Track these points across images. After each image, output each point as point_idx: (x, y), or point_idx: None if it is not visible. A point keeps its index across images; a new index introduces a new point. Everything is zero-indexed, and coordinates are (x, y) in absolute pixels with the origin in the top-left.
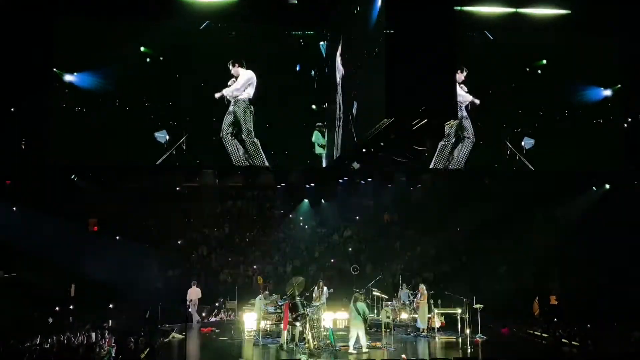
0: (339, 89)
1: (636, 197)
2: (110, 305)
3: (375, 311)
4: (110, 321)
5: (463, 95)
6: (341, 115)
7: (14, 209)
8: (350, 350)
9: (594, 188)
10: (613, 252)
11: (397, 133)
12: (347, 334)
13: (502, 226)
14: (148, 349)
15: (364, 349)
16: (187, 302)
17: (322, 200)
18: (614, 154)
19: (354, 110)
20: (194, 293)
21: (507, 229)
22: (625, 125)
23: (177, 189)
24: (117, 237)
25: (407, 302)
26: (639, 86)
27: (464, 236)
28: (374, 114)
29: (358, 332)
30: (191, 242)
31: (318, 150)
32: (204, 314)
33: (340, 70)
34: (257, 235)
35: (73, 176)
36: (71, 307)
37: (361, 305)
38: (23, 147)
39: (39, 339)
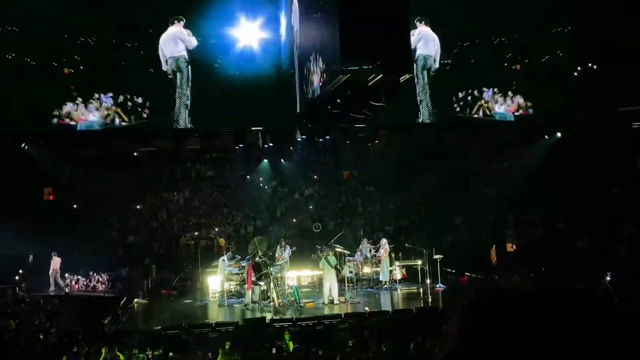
0: (297, 40)
1: (587, 145)
2: (66, 275)
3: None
4: (67, 288)
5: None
6: (297, 68)
7: None
8: (326, 301)
9: (546, 137)
10: (565, 199)
11: (353, 89)
12: (311, 291)
13: (458, 178)
14: (111, 316)
15: (335, 301)
16: (50, 272)
17: (282, 160)
18: (565, 102)
19: (311, 66)
20: (56, 262)
21: (463, 181)
22: (576, 73)
23: (135, 154)
24: (75, 206)
25: (369, 256)
26: (589, 34)
27: (422, 189)
28: (330, 70)
29: (331, 284)
30: (150, 207)
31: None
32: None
33: (297, 16)
34: (217, 197)
35: (23, 144)
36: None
37: (332, 259)
38: None
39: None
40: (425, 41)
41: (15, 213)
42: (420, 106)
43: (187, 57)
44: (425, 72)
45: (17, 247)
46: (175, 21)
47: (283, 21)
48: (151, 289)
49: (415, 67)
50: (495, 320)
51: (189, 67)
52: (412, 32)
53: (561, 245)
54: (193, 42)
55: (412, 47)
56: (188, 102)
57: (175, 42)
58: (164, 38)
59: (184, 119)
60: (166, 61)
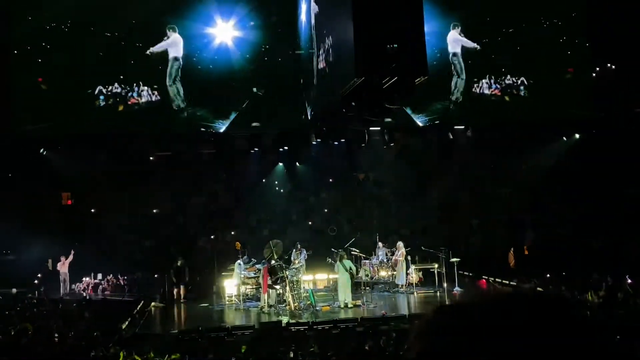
0: (314, 34)
1: (604, 146)
2: (84, 278)
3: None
4: (84, 293)
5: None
6: (317, 64)
7: None
8: (341, 305)
9: (564, 138)
10: (583, 200)
11: (368, 92)
12: (327, 295)
13: (475, 180)
14: (129, 319)
15: (350, 304)
16: (62, 277)
17: (297, 163)
18: (583, 103)
19: (326, 66)
20: (65, 265)
21: (479, 183)
22: (594, 74)
23: (151, 158)
24: (92, 210)
25: (385, 259)
26: (607, 34)
27: (438, 192)
28: (343, 72)
29: (345, 288)
30: (166, 211)
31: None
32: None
33: (314, 10)
34: (233, 201)
35: (42, 150)
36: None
37: (347, 262)
38: None
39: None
40: (454, 42)
41: (34, 218)
42: (455, 97)
43: (180, 56)
44: (459, 67)
45: (36, 252)
46: (171, 30)
47: (303, 7)
48: (185, 293)
49: (452, 66)
50: (448, 337)
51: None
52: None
53: (579, 248)
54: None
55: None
56: (180, 90)
57: (177, 46)
58: (169, 41)
59: (177, 103)
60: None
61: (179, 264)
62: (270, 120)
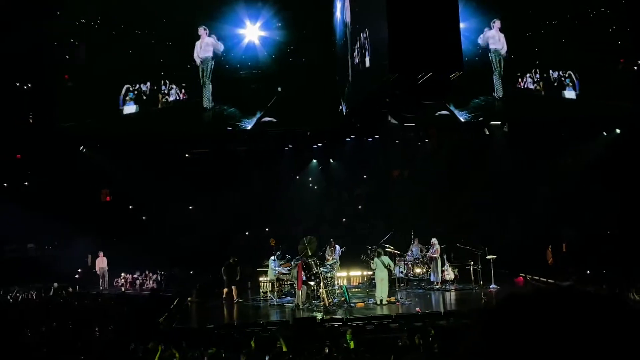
0: (348, 30)
1: None
2: (123, 274)
3: None
4: (122, 288)
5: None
6: (352, 60)
7: (26, 183)
8: (377, 301)
9: (604, 133)
10: (624, 197)
11: (402, 88)
12: (361, 291)
13: (511, 176)
14: (166, 314)
15: (384, 301)
16: (98, 272)
17: (331, 160)
18: (627, 96)
19: (361, 62)
20: (103, 262)
21: (516, 179)
22: (636, 67)
23: (187, 155)
24: (130, 207)
25: (420, 256)
26: None
27: (474, 188)
28: (378, 68)
29: (383, 284)
30: (202, 207)
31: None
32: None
33: (348, 10)
34: (268, 198)
35: (82, 147)
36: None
37: (386, 259)
38: (31, 120)
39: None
40: (494, 38)
41: (74, 214)
42: (496, 93)
43: (211, 56)
44: (498, 62)
45: (76, 247)
46: (202, 28)
47: (338, 4)
48: (237, 293)
49: (491, 62)
50: (511, 325)
51: (213, 66)
52: (485, 33)
53: (619, 245)
54: (220, 47)
55: (484, 44)
56: (210, 89)
57: (207, 48)
58: (200, 43)
59: (207, 100)
60: (199, 59)
61: (231, 261)
62: (301, 118)
